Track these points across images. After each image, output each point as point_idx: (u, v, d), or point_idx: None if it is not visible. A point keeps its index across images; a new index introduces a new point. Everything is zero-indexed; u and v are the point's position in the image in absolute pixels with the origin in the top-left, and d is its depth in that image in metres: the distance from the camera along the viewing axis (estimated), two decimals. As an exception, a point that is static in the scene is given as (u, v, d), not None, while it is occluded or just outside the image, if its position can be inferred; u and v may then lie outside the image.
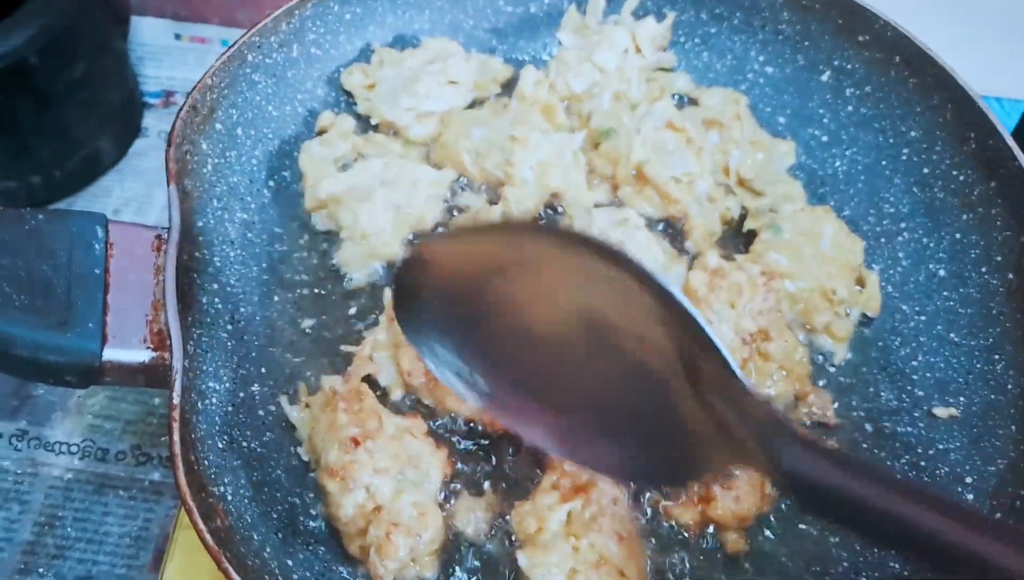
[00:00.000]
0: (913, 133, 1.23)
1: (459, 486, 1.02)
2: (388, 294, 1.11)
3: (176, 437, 0.85)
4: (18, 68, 1.22)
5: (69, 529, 1.16)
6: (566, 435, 0.91)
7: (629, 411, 0.86)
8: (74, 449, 1.21)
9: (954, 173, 1.19)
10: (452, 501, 1.01)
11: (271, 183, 1.21)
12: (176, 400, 0.86)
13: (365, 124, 1.29)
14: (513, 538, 0.98)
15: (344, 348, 1.10)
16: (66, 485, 1.19)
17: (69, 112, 1.34)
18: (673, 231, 1.23)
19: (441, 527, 0.97)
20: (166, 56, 1.60)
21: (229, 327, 1.07)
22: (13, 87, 1.25)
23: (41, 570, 1.13)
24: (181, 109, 1.04)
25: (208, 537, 0.82)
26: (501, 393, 0.93)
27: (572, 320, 0.84)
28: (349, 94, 1.30)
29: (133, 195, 1.46)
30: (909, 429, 1.11)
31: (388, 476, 0.95)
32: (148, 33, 1.61)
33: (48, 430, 1.22)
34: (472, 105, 1.32)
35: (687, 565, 1.00)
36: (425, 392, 1.06)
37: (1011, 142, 1.12)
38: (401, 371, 1.06)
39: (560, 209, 1.23)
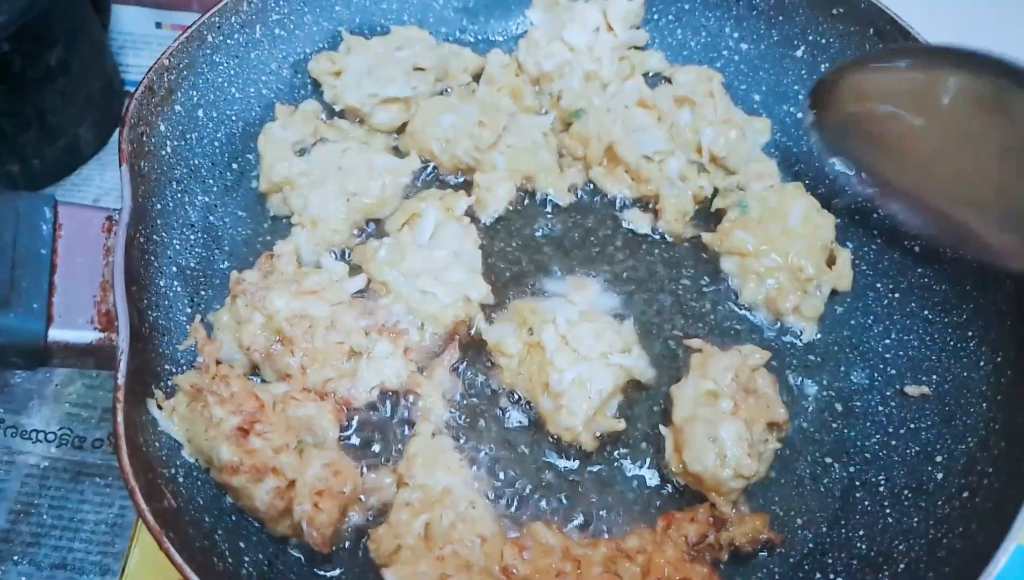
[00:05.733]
0: (888, 108, 1.20)
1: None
2: (234, 275, 1.08)
3: (120, 418, 0.84)
4: (-12, 54, 1.22)
5: (45, 516, 1.16)
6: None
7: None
8: (51, 437, 1.21)
9: (932, 146, 1.16)
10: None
11: (234, 166, 1.20)
12: (121, 381, 0.86)
13: (333, 114, 1.27)
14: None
15: (182, 346, 1.05)
16: (42, 473, 1.19)
17: (46, 99, 1.34)
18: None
19: (356, 473, 0.96)
20: (147, 45, 1.60)
21: (188, 310, 1.07)
22: (-16, 73, 1.24)
23: (16, 557, 1.13)
24: (136, 90, 1.04)
25: (150, 517, 0.81)
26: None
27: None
28: (317, 82, 1.28)
29: (113, 185, 1.46)
30: (880, 408, 1.09)
31: (289, 450, 0.93)
32: (129, 22, 1.61)
33: (25, 418, 1.22)
34: (441, 94, 1.30)
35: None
36: (266, 365, 1.03)
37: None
38: (242, 346, 1.04)
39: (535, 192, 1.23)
